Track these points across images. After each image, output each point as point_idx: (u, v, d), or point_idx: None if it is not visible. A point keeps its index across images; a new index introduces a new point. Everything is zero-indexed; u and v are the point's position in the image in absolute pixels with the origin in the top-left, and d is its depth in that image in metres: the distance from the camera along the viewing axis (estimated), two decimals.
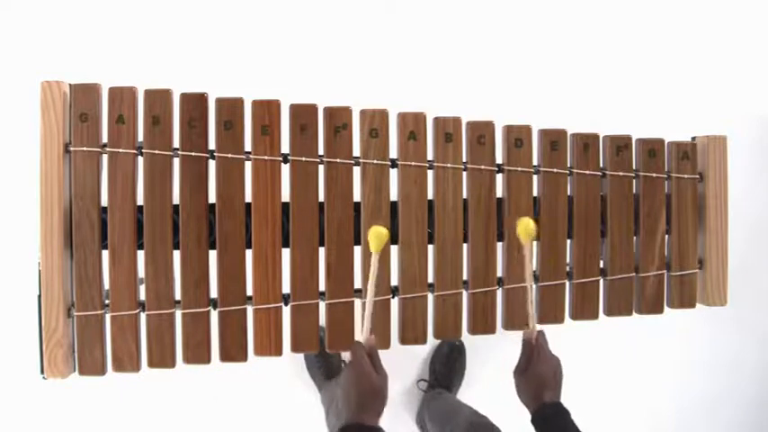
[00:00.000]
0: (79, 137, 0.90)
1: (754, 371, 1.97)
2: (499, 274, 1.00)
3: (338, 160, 0.94)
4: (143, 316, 0.93)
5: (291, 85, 1.70)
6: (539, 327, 0.94)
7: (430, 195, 0.97)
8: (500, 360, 1.79)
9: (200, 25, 1.72)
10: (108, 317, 0.92)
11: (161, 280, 0.92)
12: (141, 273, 0.92)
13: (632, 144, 1.03)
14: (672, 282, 1.05)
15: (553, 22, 1.85)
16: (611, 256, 1.02)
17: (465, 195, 0.98)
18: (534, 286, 1.00)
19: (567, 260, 1.02)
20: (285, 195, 0.94)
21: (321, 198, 0.95)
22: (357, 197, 0.95)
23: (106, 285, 0.92)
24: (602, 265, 1.04)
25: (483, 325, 0.99)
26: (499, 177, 0.99)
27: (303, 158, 0.93)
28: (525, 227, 0.90)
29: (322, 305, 0.95)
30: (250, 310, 0.94)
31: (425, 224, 0.97)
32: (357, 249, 0.95)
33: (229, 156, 0.92)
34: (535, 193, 1.00)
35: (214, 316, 0.94)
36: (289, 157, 0.93)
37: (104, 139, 0.91)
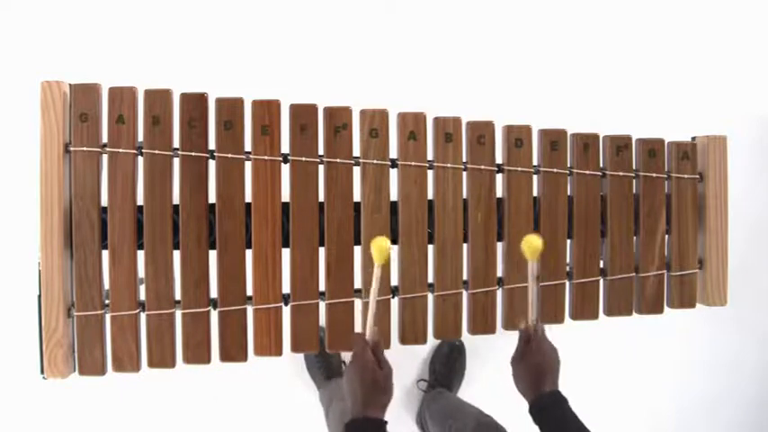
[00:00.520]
0: (79, 137, 0.90)
1: (754, 371, 1.97)
2: (499, 274, 1.00)
3: (338, 160, 0.94)
4: (143, 316, 0.93)
5: (291, 85, 1.70)
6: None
7: (430, 195, 0.97)
8: (500, 360, 1.78)
9: (201, 25, 1.71)
10: (108, 317, 0.92)
11: (161, 280, 0.92)
12: (141, 273, 0.92)
13: (632, 144, 1.03)
14: (672, 282, 1.05)
15: (553, 22, 1.85)
16: (611, 256, 1.02)
17: (465, 195, 0.98)
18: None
19: (567, 260, 1.02)
20: (285, 195, 0.94)
21: (321, 198, 0.95)
22: (357, 197, 0.95)
23: (106, 285, 0.92)
24: (602, 265, 1.04)
25: (483, 325, 1.00)
26: (499, 177, 0.99)
27: (303, 158, 0.93)
28: (530, 244, 0.88)
29: (322, 305, 0.95)
30: (250, 310, 0.94)
31: (425, 224, 0.97)
32: (357, 249, 0.95)
33: (229, 156, 0.92)
34: (535, 193, 1.00)
35: (214, 316, 0.94)
36: (289, 157, 0.93)
37: (104, 139, 0.91)
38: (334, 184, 0.94)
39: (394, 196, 0.96)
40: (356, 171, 0.95)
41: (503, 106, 1.74)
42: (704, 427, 1.96)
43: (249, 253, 0.93)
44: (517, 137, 0.99)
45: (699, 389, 1.95)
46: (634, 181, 1.03)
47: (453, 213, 0.97)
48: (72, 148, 0.90)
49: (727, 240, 1.07)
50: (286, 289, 0.95)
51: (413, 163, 0.96)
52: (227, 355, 0.94)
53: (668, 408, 1.93)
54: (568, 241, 1.02)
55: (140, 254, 0.92)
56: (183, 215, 0.92)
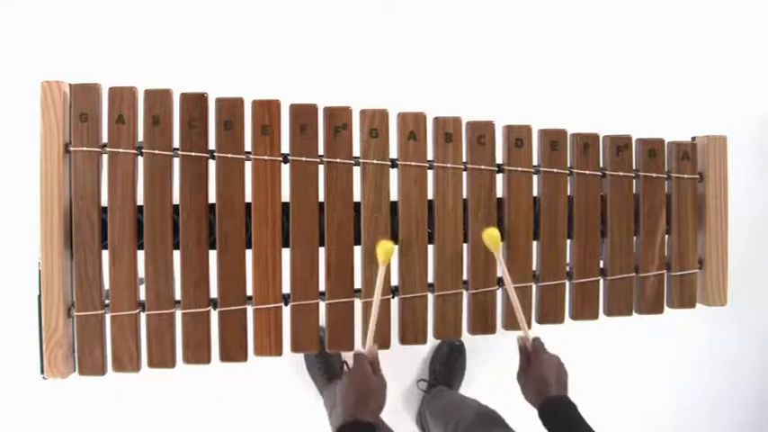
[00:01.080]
0: (79, 137, 0.90)
1: (754, 371, 1.97)
2: (499, 274, 1.00)
3: (338, 160, 0.94)
4: (143, 316, 0.93)
5: (291, 85, 1.70)
6: (535, 329, 0.94)
7: (430, 195, 0.97)
8: (500, 360, 1.79)
9: (200, 25, 1.72)
10: (108, 317, 0.92)
11: (161, 280, 0.92)
12: (141, 273, 0.92)
13: (632, 144, 1.03)
14: (672, 282, 1.05)
15: (553, 22, 1.85)
16: (611, 256, 1.02)
17: (465, 195, 0.98)
18: (534, 286, 1.01)
19: (567, 260, 1.02)
20: (285, 195, 0.94)
21: (321, 198, 0.95)
22: (357, 197, 0.95)
23: (106, 285, 0.92)
24: (602, 265, 1.03)
25: (483, 325, 0.99)
26: (499, 177, 0.99)
27: (303, 158, 0.93)
28: (490, 236, 0.92)
29: (322, 305, 0.95)
30: (250, 310, 0.94)
31: (425, 224, 0.97)
32: (357, 249, 0.95)
33: (229, 156, 0.92)
34: (535, 193, 1.00)
35: (214, 316, 0.94)
36: (289, 157, 0.93)
37: (104, 139, 0.91)
38: (334, 184, 0.94)
39: (394, 196, 0.96)
40: (356, 171, 0.95)
41: (503, 106, 1.74)
42: (704, 427, 1.96)
43: (249, 253, 0.93)
44: (517, 137, 0.99)
45: (699, 389, 1.95)
46: (634, 181, 1.03)
47: (453, 213, 0.97)
48: (72, 148, 0.90)
49: (727, 240, 1.07)
50: (286, 289, 0.95)
51: (413, 163, 0.96)
52: (227, 355, 0.94)
53: (668, 408, 1.93)
54: (568, 241, 1.02)
55: (140, 254, 0.92)
56: (183, 215, 0.92)
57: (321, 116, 0.94)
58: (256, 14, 1.73)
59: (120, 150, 0.90)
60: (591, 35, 1.86)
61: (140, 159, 0.91)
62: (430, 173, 0.97)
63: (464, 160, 0.98)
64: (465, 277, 0.99)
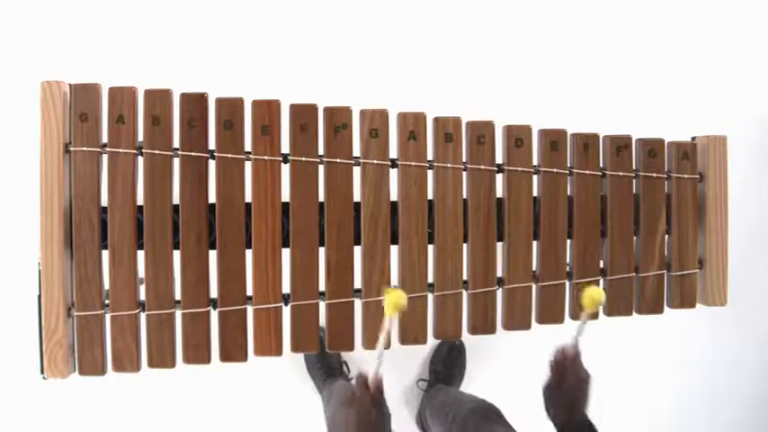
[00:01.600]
0: (79, 137, 0.90)
1: (754, 371, 1.97)
2: (499, 274, 1.00)
3: (338, 160, 0.94)
4: (143, 316, 0.93)
5: (291, 85, 1.70)
6: (535, 329, 0.94)
7: (430, 195, 0.97)
8: (500, 360, 1.79)
9: (200, 25, 1.72)
10: (108, 317, 0.92)
11: (161, 280, 0.92)
12: (141, 273, 0.92)
13: (632, 144, 1.03)
14: (672, 282, 1.05)
15: (553, 22, 1.85)
16: (611, 256, 1.02)
17: (465, 195, 0.98)
18: (534, 286, 1.00)
19: (567, 260, 1.02)
20: (285, 195, 0.94)
21: (321, 198, 0.95)
22: (357, 197, 0.95)
23: (106, 285, 0.92)
24: (602, 265, 1.03)
25: (483, 325, 0.99)
26: (499, 177, 0.99)
27: (303, 158, 0.93)
28: (592, 297, 0.89)
29: (322, 305, 0.95)
30: (250, 310, 0.94)
31: (425, 224, 0.97)
32: (357, 249, 0.95)
33: (229, 156, 0.92)
34: (535, 193, 1.00)
35: (214, 316, 0.94)
36: (289, 157, 0.93)
37: (104, 139, 0.91)
38: (334, 184, 0.94)
39: (394, 196, 0.96)
40: (356, 171, 0.95)
41: (503, 106, 1.74)
42: (704, 427, 1.96)
43: (249, 253, 0.93)
44: (517, 137, 0.99)
45: (699, 389, 1.95)
46: (634, 181, 1.03)
47: (453, 213, 0.97)
48: (72, 148, 0.90)
49: (727, 240, 1.07)
50: (286, 289, 0.95)
51: (413, 163, 0.96)
52: (227, 355, 0.94)
53: (668, 408, 1.93)
54: (568, 241, 1.02)
55: (140, 254, 0.92)
56: (183, 215, 0.92)
57: (321, 116, 0.94)
58: (256, 14, 1.73)
59: (120, 150, 0.90)
60: (591, 35, 1.86)
61: (140, 159, 0.91)
62: (430, 173, 0.97)
63: (464, 160, 0.98)
64: (465, 277, 0.99)
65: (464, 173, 0.97)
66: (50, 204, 0.89)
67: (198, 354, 0.93)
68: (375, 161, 0.95)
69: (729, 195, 1.07)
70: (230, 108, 0.92)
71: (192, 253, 0.92)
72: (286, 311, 0.95)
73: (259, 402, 1.75)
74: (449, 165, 0.96)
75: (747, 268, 1.70)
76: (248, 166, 0.92)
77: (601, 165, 1.02)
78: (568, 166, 1.01)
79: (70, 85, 0.90)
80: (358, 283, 0.96)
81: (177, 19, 1.71)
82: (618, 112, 1.81)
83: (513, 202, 0.99)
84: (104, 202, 0.91)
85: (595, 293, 0.89)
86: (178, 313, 0.93)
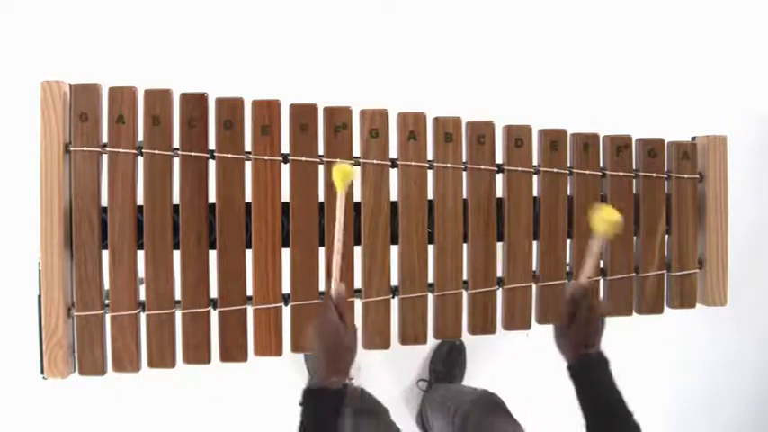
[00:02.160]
0: (79, 137, 0.90)
1: (754, 371, 1.97)
2: (499, 274, 1.00)
3: (338, 160, 0.94)
4: (143, 316, 0.93)
5: (291, 85, 1.70)
6: (535, 329, 0.94)
7: (430, 195, 0.97)
8: (500, 360, 1.79)
9: (200, 25, 1.71)
10: (108, 317, 0.92)
11: (161, 280, 0.92)
12: (141, 273, 0.92)
13: (632, 144, 1.03)
14: (672, 282, 1.05)
15: (553, 22, 1.85)
16: (611, 256, 1.02)
17: (465, 195, 0.98)
18: (534, 286, 1.00)
19: (567, 260, 1.02)
20: (285, 195, 0.94)
21: (321, 198, 0.95)
22: (357, 197, 0.95)
23: (106, 285, 0.92)
24: (601, 265, 1.03)
25: (483, 325, 0.99)
26: (499, 177, 0.99)
27: (303, 158, 0.93)
28: (605, 218, 0.79)
29: None
30: (250, 310, 0.94)
31: (425, 224, 0.97)
32: (357, 249, 0.95)
33: (229, 156, 0.92)
34: (535, 193, 1.00)
35: (214, 316, 0.94)
36: (289, 157, 0.93)
37: (104, 139, 0.91)
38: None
39: (394, 196, 0.96)
40: (356, 171, 0.95)
41: (503, 106, 1.74)
42: (704, 427, 1.96)
43: (249, 253, 0.93)
44: (517, 137, 0.99)
45: (699, 389, 1.95)
46: (634, 181, 1.03)
47: (453, 213, 0.97)
48: (72, 148, 0.90)
49: (727, 240, 1.07)
50: (286, 289, 0.95)
51: (413, 163, 0.96)
52: (227, 355, 0.94)
53: (668, 408, 1.93)
54: (568, 241, 1.02)
55: (140, 254, 0.92)
56: (183, 215, 0.92)
57: (321, 116, 0.94)
58: (256, 14, 1.73)
59: (120, 150, 0.90)
60: (591, 35, 1.86)
61: (140, 159, 0.91)
62: (430, 173, 0.97)
63: (464, 160, 0.98)
64: (465, 277, 0.99)
65: (464, 173, 0.97)
66: (50, 204, 0.89)
67: (198, 354, 0.93)
68: (375, 161, 0.95)
69: (729, 195, 1.07)
70: (230, 108, 0.92)
71: (192, 253, 0.92)
72: (286, 311, 0.95)
73: (259, 402, 1.74)
74: (449, 165, 0.96)
75: (747, 268, 1.69)
76: (248, 166, 0.92)
77: (601, 165, 1.02)
78: (568, 166, 1.01)
79: (70, 85, 0.90)
80: (358, 283, 0.96)
81: (177, 19, 1.71)
82: (618, 112, 1.81)
83: (513, 202, 0.99)
84: (104, 202, 0.91)
85: (608, 213, 0.78)
86: (178, 313, 0.93)
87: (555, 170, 1.00)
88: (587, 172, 1.01)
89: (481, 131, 0.98)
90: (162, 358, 0.93)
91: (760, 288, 1.93)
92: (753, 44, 1.94)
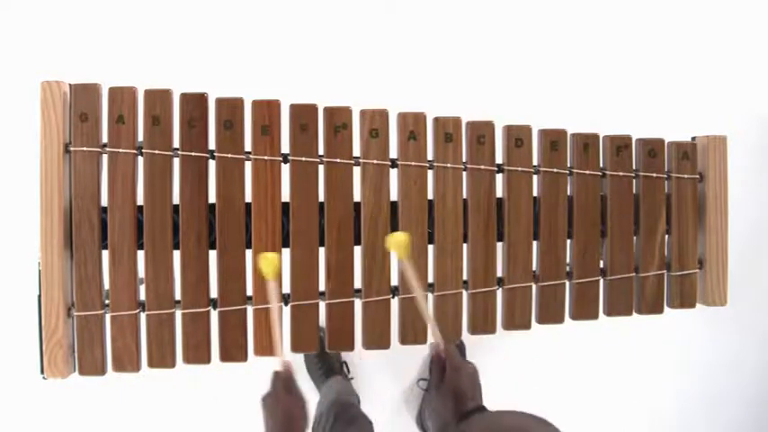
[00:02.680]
0: (79, 137, 0.90)
1: (754, 371, 1.97)
2: (499, 274, 1.00)
3: (338, 160, 0.94)
4: (143, 316, 0.93)
5: (291, 85, 1.70)
6: (535, 329, 0.94)
7: (430, 195, 0.97)
8: (500, 360, 1.79)
9: (200, 25, 1.72)
10: (108, 317, 0.92)
11: (161, 280, 0.92)
12: (141, 273, 0.92)
13: (632, 144, 1.03)
14: (672, 282, 1.05)
15: (553, 22, 1.85)
16: (611, 256, 1.02)
17: (465, 195, 0.98)
18: (534, 286, 1.00)
19: (567, 260, 1.02)
20: (285, 195, 0.94)
21: (321, 198, 0.95)
22: (357, 197, 0.95)
23: (106, 285, 0.92)
24: (602, 265, 1.04)
25: (483, 325, 0.99)
26: (499, 177, 0.99)
27: (303, 158, 0.93)
28: (397, 242, 0.86)
29: (322, 305, 0.95)
30: (250, 310, 0.94)
31: (425, 224, 0.97)
32: (357, 249, 0.95)
33: (229, 156, 0.92)
34: (535, 193, 1.00)
35: (214, 316, 0.94)
36: (289, 157, 0.93)
37: (104, 139, 0.91)
38: (334, 184, 0.94)
39: (394, 196, 0.96)
40: (356, 171, 0.95)
41: (503, 106, 1.74)
42: (704, 427, 1.96)
43: (249, 253, 0.93)
44: (517, 137, 0.99)
45: (699, 389, 1.95)
46: (634, 181, 1.03)
47: (453, 213, 0.97)
48: (72, 148, 0.90)
49: (727, 240, 1.07)
50: (286, 289, 0.95)
51: (413, 163, 0.96)
52: (227, 355, 0.94)
53: (668, 408, 1.93)
54: (568, 241, 1.02)
55: (140, 254, 0.92)
56: (183, 215, 0.92)
57: (321, 116, 0.94)
58: (256, 14, 1.73)
59: (120, 150, 0.90)
60: (591, 35, 1.86)
61: (140, 159, 0.91)
62: (430, 173, 0.97)
63: (464, 160, 0.98)
64: (465, 277, 0.99)
65: (464, 173, 0.97)
66: (50, 204, 0.89)
67: (198, 354, 0.93)
68: (375, 161, 0.95)
69: (729, 195, 1.07)
70: (230, 108, 0.92)
71: (191, 253, 0.92)
72: (286, 311, 0.95)
73: (259, 402, 1.74)
74: (449, 165, 0.96)
75: (747, 268, 1.70)
76: (248, 166, 0.92)
77: (601, 165, 1.02)
78: (568, 166, 1.01)
79: (70, 85, 0.90)
80: (358, 283, 0.96)
81: (177, 19, 1.71)
82: (618, 112, 1.81)
83: (513, 202, 0.99)
84: (104, 202, 0.91)
85: (397, 237, 0.86)
86: (178, 313, 0.93)
87: (555, 170, 1.00)
88: (587, 172, 1.01)
89: (481, 131, 0.98)
90: (162, 358, 0.93)
91: (760, 288, 1.94)
92: (753, 44, 1.94)
